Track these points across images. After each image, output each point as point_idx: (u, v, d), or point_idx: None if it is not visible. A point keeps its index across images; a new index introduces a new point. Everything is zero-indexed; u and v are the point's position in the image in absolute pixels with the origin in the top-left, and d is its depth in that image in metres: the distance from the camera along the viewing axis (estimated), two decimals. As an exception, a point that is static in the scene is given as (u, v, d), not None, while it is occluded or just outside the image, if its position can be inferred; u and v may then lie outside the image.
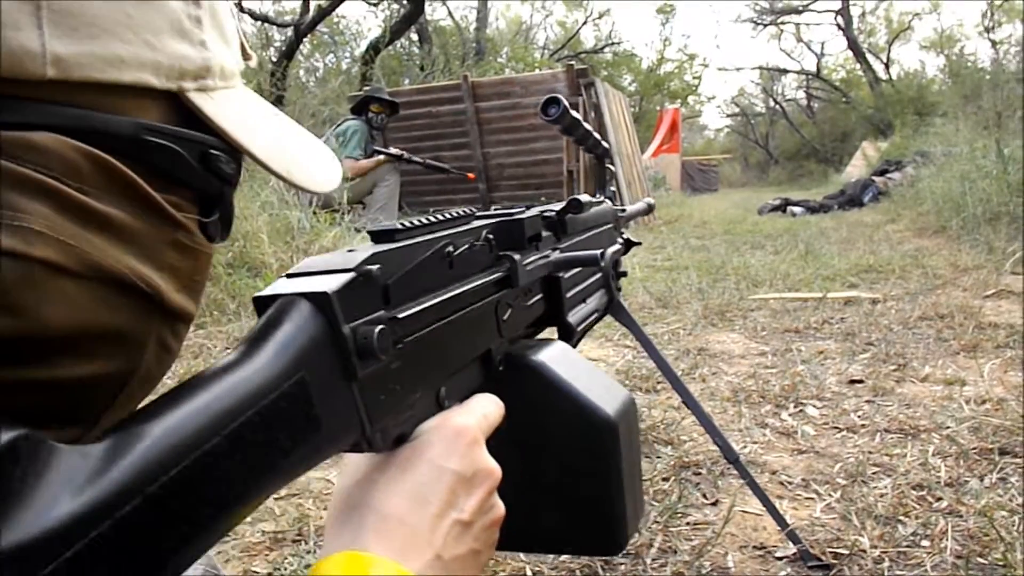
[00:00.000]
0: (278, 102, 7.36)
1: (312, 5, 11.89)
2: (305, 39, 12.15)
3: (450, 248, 0.65)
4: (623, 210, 1.48)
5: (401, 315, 0.55)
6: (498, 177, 9.15)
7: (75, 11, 0.40)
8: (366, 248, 0.56)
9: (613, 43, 27.55)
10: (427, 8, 15.37)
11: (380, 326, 0.51)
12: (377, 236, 0.60)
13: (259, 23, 12.26)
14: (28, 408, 0.41)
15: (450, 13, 22.37)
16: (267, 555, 1.48)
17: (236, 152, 0.51)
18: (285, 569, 1.43)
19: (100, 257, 0.42)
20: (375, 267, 0.53)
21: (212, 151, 0.49)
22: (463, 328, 0.66)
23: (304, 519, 1.60)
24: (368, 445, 0.54)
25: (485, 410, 0.64)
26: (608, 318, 1.31)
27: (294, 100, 8.91)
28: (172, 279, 0.48)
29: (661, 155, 16.84)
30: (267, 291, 0.51)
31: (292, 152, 0.56)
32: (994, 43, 22.89)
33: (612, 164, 1.52)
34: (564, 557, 1.45)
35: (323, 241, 4.46)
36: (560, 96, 1.17)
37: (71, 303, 0.41)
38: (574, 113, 1.20)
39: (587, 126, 1.29)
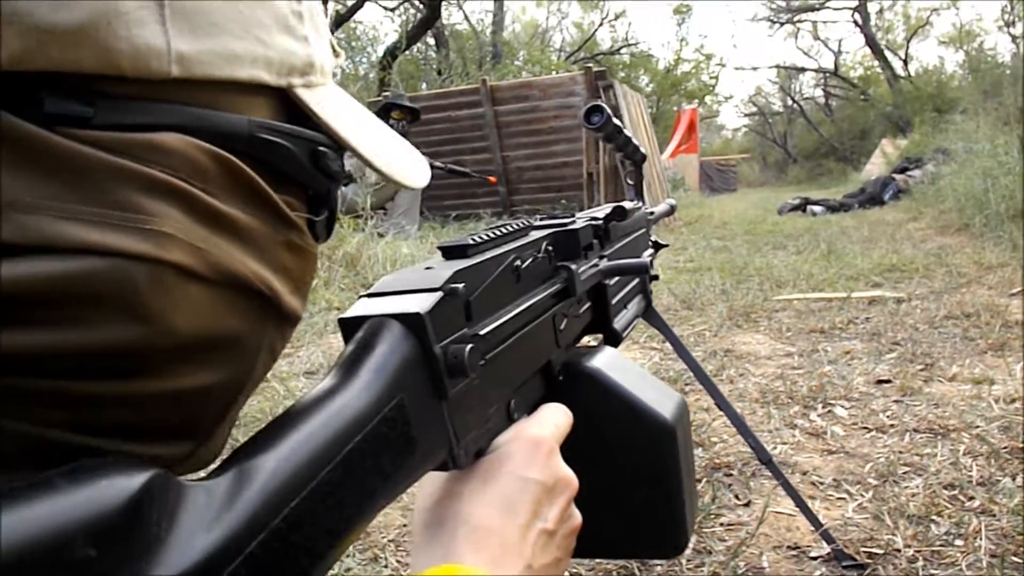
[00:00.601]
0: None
1: (329, 11, 11.95)
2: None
3: (518, 262, 0.65)
4: (651, 213, 1.50)
5: (483, 331, 0.56)
6: (518, 180, 9.17)
7: (193, 9, 0.39)
8: (445, 265, 0.56)
9: (630, 44, 27.53)
10: (443, 13, 15.44)
11: (470, 344, 0.51)
12: (449, 252, 0.60)
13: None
14: (141, 424, 0.40)
15: (466, 17, 22.44)
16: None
17: (340, 149, 0.50)
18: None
19: (227, 260, 0.41)
20: (460, 285, 0.53)
21: (321, 148, 0.48)
22: (529, 341, 0.67)
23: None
24: (453, 463, 0.53)
25: (556, 420, 0.64)
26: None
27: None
28: (286, 281, 0.47)
29: (679, 156, 16.78)
30: (352, 312, 0.50)
31: (389, 148, 0.56)
32: (1014, 38, 22.74)
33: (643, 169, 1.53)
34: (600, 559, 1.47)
35: (347, 247, 4.49)
36: (603, 104, 1.18)
37: (198, 309, 0.40)
38: (616, 121, 1.21)
39: (628, 133, 1.31)
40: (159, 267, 0.37)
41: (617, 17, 30.66)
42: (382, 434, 0.45)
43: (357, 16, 13.10)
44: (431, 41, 17.13)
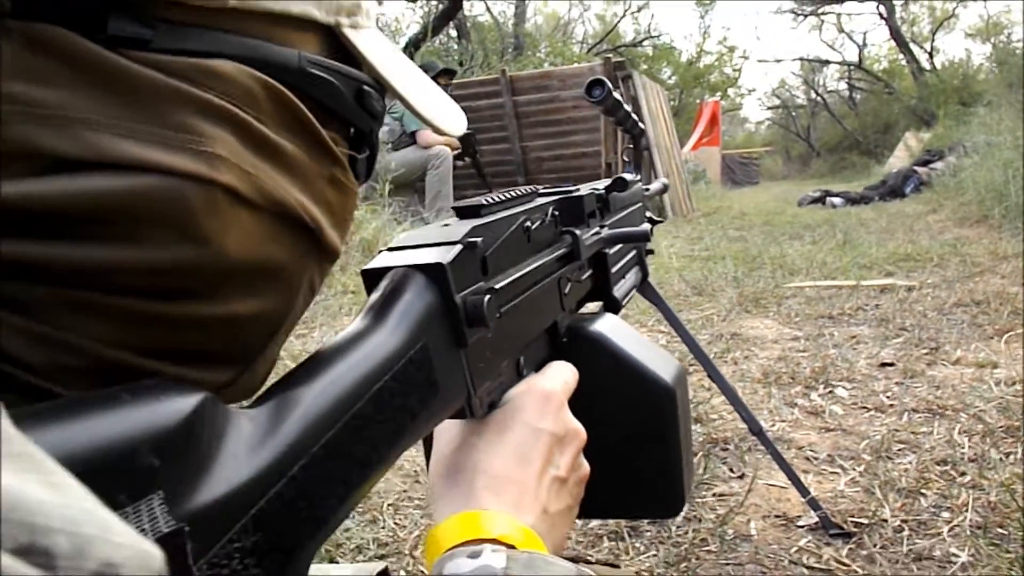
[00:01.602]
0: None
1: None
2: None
3: (528, 223, 0.68)
4: (647, 189, 1.53)
5: (498, 285, 0.58)
6: (537, 171, 9.18)
7: None
8: (461, 223, 0.59)
9: (652, 36, 27.38)
10: (465, 4, 15.46)
11: (488, 295, 0.53)
12: (463, 212, 0.63)
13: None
14: (190, 347, 0.42)
15: (488, 9, 22.44)
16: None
17: (383, 90, 0.51)
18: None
19: (275, 188, 0.42)
20: (479, 239, 0.56)
21: (365, 87, 0.49)
22: (537, 300, 0.70)
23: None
24: (470, 411, 0.56)
25: (564, 376, 0.67)
26: (643, 305, 1.36)
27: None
28: (328, 216, 0.48)
29: (701, 148, 16.71)
30: (375, 264, 0.53)
31: (428, 94, 0.57)
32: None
33: (649, 149, 1.56)
34: (592, 524, 1.51)
35: (364, 233, 4.54)
36: (604, 78, 1.21)
37: (248, 234, 0.41)
38: (616, 95, 1.25)
39: (627, 107, 1.34)
40: (212, 188, 0.38)
41: (640, 9, 30.58)
42: (409, 374, 0.47)
43: (379, 7, 13.11)
44: (453, 33, 17.16)
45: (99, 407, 0.31)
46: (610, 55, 11.04)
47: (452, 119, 0.59)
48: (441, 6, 13.99)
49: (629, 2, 27.38)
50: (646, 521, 1.51)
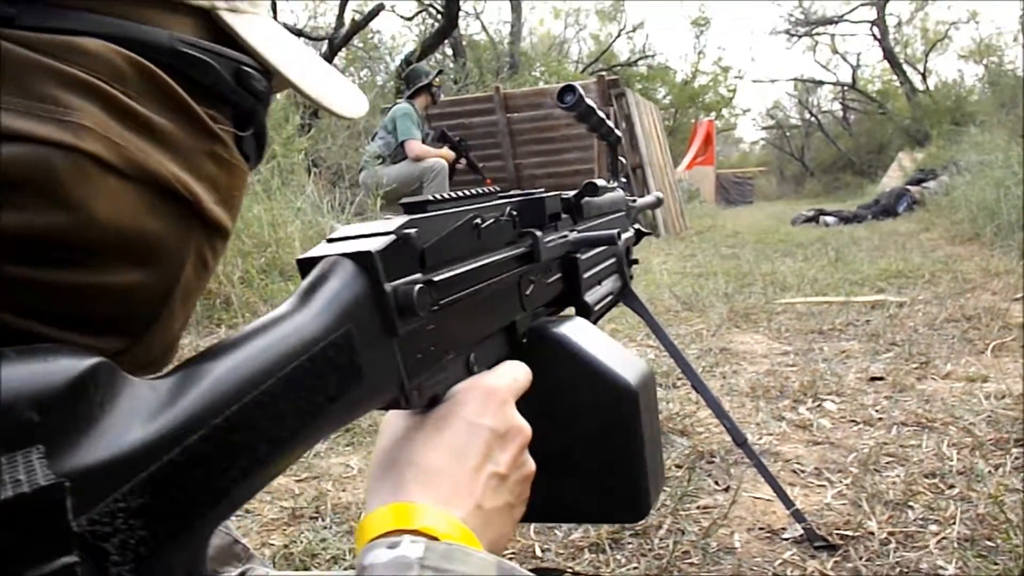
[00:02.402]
0: (313, 115, 7.42)
1: (346, 20, 12.05)
2: (340, 53, 12.30)
3: (478, 220, 0.68)
4: (634, 200, 1.52)
5: (436, 278, 0.58)
6: (530, 188, 9.16)
7: None
8: (402, 216, 0.59)
9: (647, 56, 27.50)
10: (461, 23, 15.52)
11: (419, 285, 0.54)
12: (409, 207, 0.63)
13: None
14: (75, 313, 0.43)
15: (484, 28, 22.52)
16: (284, 530, 1.53)
17: (268, 73, 0.53)
18: (301, 544, 1.48)
19: (144, 159, 0.44)
20: (413, 231, 0.56)
21: (245, 68, 0.50)
22: (490, 298, 0.69)
23: (322, 498, 1.64)
24: (405, 401, 0.56)
25: (514, 373, 0.66)
26: (633, 320, 1.34)
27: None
28: (211, 190, 0.49)
29: (696, 167, 16.77)
30: (310, 253, 0.54)
31: (320, 77, 0.58)
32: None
33: (624, 156, 1.55)
34: (574, 535, 1.49)
35: (353, 247, 4.52)
36: (575, 84, 1.21)
37: (118, 202, 0.42)
38: (588, 100, 1.24)
39: (600, 114, 1.33)
40: (78, 156, 0.40)
41: (635, 29, 30.70)
42: (328, 358, 0.48)
43: (375, 25, 13.21)
44: (449, 51, 17.22)
45: None
46: (604, 73, 11.07)
47: (347, 102, 0.60)
48: (437, 24, 14.04)
49: (624, 22, 27.52)
50: (628, 533, 1.49)
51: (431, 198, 0.64)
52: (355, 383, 0.50)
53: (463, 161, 7.10)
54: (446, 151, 6.78)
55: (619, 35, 27.79)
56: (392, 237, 0.54)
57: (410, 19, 17.04)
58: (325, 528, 1.53)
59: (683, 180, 13.42)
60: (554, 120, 8.76)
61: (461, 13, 14.37)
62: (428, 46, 12.82)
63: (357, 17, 11.73)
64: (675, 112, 28.54)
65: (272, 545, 1.48)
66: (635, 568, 1.40)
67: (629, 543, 1.47)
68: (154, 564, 0.36)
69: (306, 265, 0.53)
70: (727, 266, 5.61)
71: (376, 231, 0.55)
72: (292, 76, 0.53)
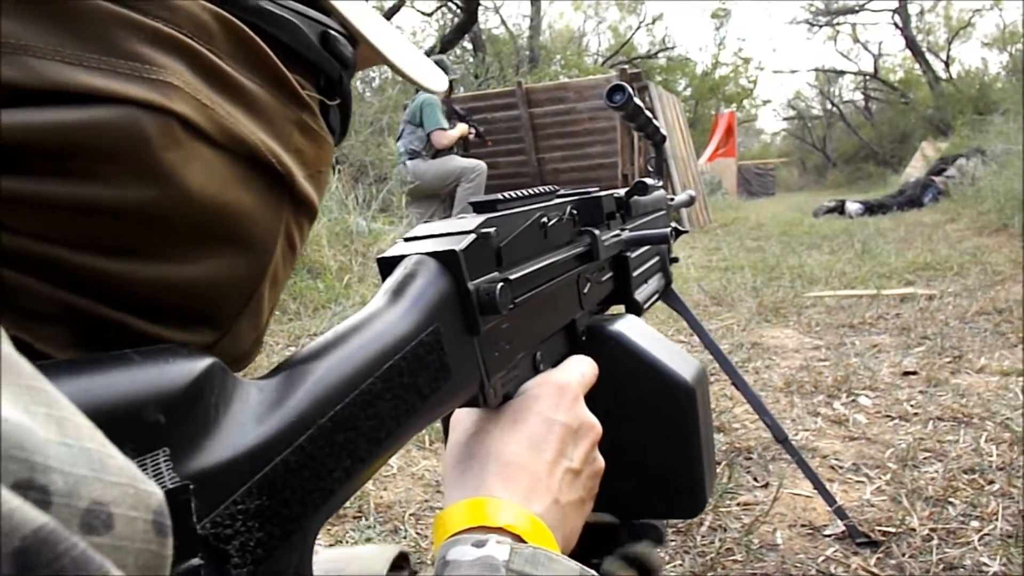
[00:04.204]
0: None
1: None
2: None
3: (544, 219, 0.69)
4: (672, 198, 1.53)
5: (512, 276, 0.59)
6: (553, 182, 9.15)
7: None
8: (477, 216, 0.60)
9: (667, 48, 27.40)
10: (480, 17, 15.52)
11: (500, 283, 0.54)
12: (479, 207, 0.64)
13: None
14: (163, 303, 0.40)
15: (503, 22, 22.52)
16: (329, 529, 1.55)
17: (353, 40, 0.50)
18: (347, 543, 1.50)
19: (235, 125, 0.40)
20: (492, 230, 0.57)
21: (332, 31, 0.47)
22: (555, 295, 0.71)
23: (364, 497, 1.67)
24: (484, 399, 0.57)
25: (582, 369, 0.67)
26: (663, 315, 1.35)
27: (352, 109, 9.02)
28: (300, 164, 0.45)
29: (717, 159, 16.68)
30: (390, 252, 0.54)
31: (403, 49, 0.56)
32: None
33: (667, 160, 1.56)
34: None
35: (381, 244, 4.55)
36: (624, 84, 1.21)
37: (211, 173, 0.39)
38: (637, 100, 1.24)
39: (648, 113, 1.34)
40: (167, 118, 0.36)
41: (654, 21, 30.69)
42: (420, 356, 0.48)
43: (395, 20, 13.20)
44: (468, 45, 17.23)
45: (108, 364, 0.32)
46: (626, 67, 11.04)
47: (430, 75, 0.59)
48: (456, 19, 14.05)
49: (643, 14, 27.39)
50: (670, 531, 1.50)
51: (500, 197, 0.65)
52: (444, 381, 0.51)
53: (473, 131, 7.06)
54: (462, 127, 6.73)
55: (639, 27, 27.72)
56: (473, 236, 0.55)
57: (430, 15, 17.07)
58: (369, 528, 1.55)
59: (705, 172, 13.37)
60: (576, 114, 8.75)
61: (480, 7, 14.37)
62: (448, 41, 12.83)
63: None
64: (695, 104, 28.41)
65: (317, 544, 1.50)
66: (679, 565, 1.41)
67: (672, 540, 1.48)
68: (270, 566, 0.37)
69: (386, 264, 0.54)
70: (753, 259, 5.60)
71: (453, 230, 0.56)
72: (378, 43, 0.51)
